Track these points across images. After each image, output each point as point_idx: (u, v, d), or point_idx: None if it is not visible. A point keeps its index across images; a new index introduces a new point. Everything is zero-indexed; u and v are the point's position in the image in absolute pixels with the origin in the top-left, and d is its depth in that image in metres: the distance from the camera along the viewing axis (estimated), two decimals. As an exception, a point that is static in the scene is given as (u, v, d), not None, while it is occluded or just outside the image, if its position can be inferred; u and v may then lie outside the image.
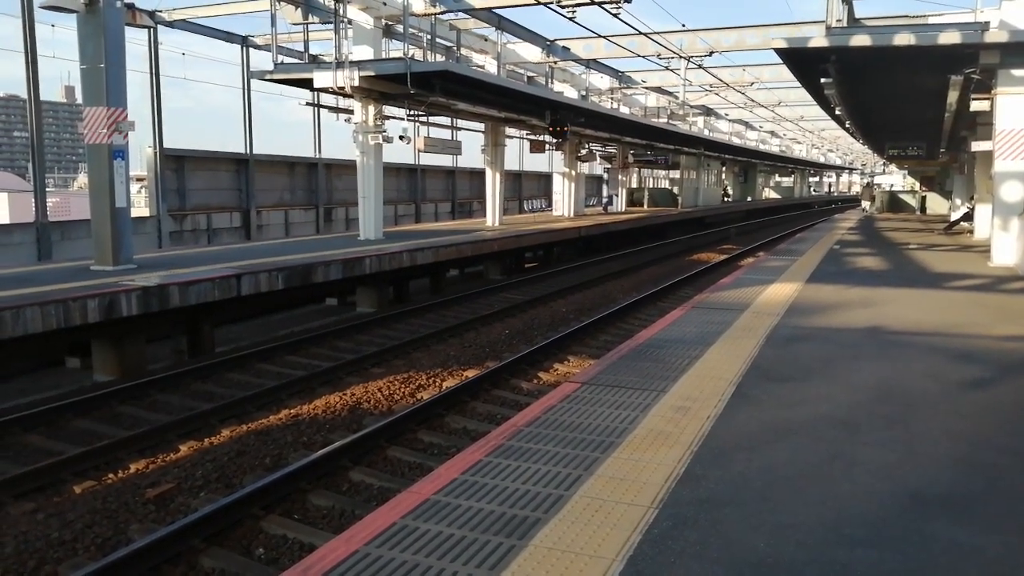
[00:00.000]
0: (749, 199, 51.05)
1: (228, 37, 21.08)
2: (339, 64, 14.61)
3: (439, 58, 18.66)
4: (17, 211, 25.93)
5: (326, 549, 3.14)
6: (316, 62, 15.68)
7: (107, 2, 10.41)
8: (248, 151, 21.95)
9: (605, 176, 37.79)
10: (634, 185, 38.33)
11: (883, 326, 7.67)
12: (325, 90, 15.40)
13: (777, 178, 63.72)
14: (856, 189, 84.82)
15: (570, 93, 25.13)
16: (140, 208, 19.98)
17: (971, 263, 13.50)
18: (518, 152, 34.09)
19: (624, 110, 29.13)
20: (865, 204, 37.84)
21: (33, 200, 16.31)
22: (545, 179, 37.17)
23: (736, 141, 41.24)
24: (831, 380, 5.61)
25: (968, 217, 22.18)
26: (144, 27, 12.92)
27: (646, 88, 29.83)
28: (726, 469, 3.90)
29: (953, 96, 14.82)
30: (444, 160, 29.93)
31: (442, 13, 16.48)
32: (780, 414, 4.79)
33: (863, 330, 7.48)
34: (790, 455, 4.11)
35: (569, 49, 22.66)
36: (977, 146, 15.78)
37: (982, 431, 4.54)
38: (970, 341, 7.02)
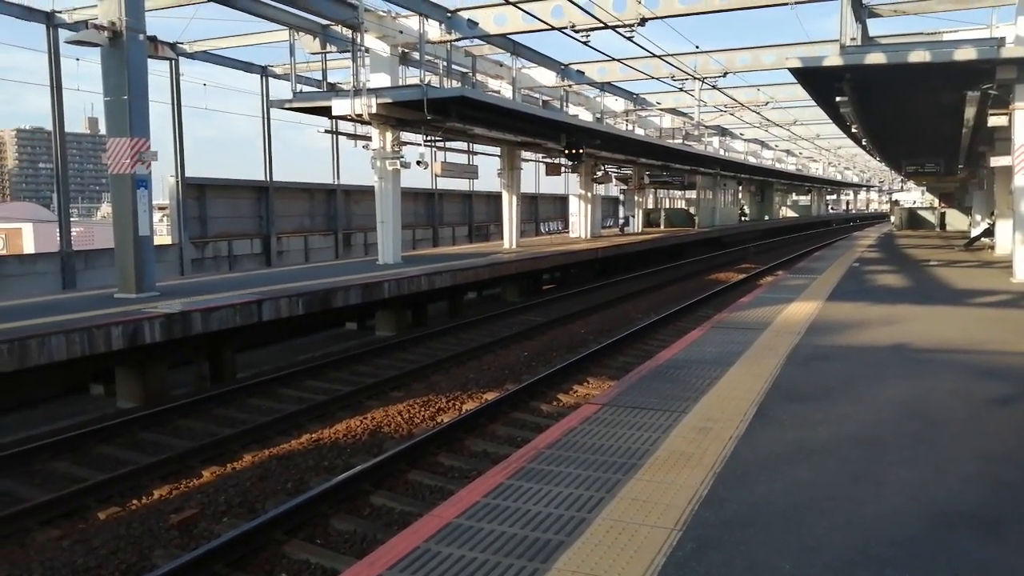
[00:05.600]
0: (766, 218, 50.85)
1: (248, 67, 21.44)
2: (357, 92, 14.81)
3: (455, 84, 18.85)
4: (42, 241, 26.39)
5: (349, 574, 3.15)
6: (334, 90, 15.93)
7: (130, 36, 10.64)
8: (268, 178, 22.23)
9: (621, 197, 37.81)
10: (650, 206, 38.34)
11: (906, 344, 7.60)
12: (343, 117, 15.60)
13: (794, 196, 63.51)
14: (874, 207, 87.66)
15: (585, 116, 25.25)
16: (162, 236, 20.29)
17: (993, 279, 13.36)
18: (534, 175, 34.29)
19: (639, 132, 29.21)
20: (893, 219, 39.39)
21: (58, 230, 16.60)
22: (561, 201, 37.25)
23: (752, 160, 41.17)
24: (854, 399, 5.56)
25: (989, 233, 21.96)
26: (166, 59, 13.16)
27: (661, 109, 29.92)
28: (750, 490, 3.87)
29: (970, 112, 14.74)
30: (461, 184, 30.14)
31: (457, 40, 16.68)
32: (804, 434, 4.76)
33: (885, 348, 7.41)
34: (815, 476, 4.07)
35: (583, 73, 22.83)
36: (996, 161, 15.65)
37: (1010, 449, 4.48)
38: (995, 358, 6.94)
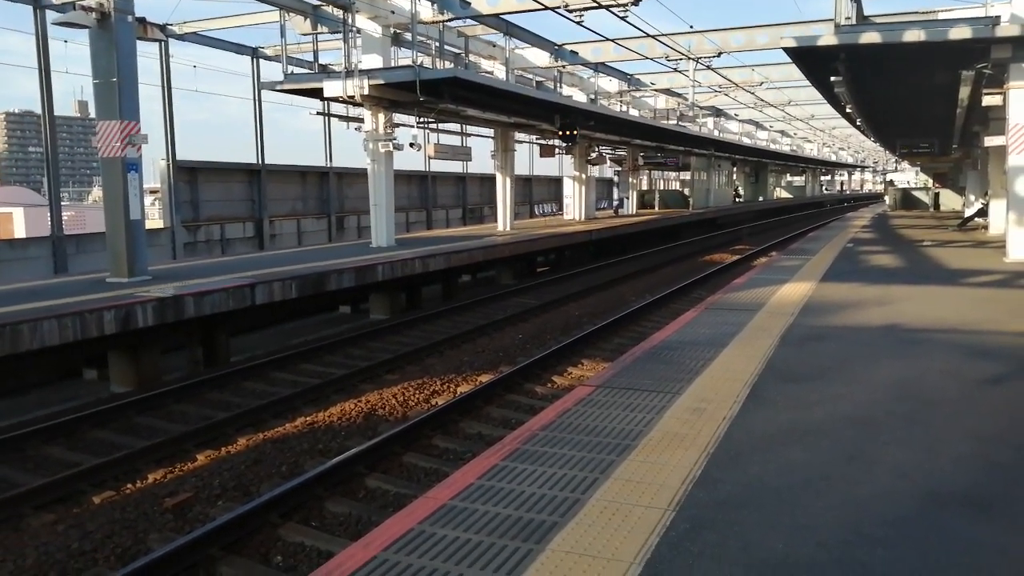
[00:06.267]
0: (761, 199, 50.87)
1: (239, 49, 21.24)
2: (348, 73, 14.69)
3: (448, 65, 18.70)
4: (33, 225, 26.21)
5: (344, 556, 3.15)
6: (326, 72, 15.77)
7: (119, 17, 10.52)
8: (260, 161, 22.08)
9: (616, 179, 37.77)
10: (645, 187, 38.29)
11: (899, 324, 7.62)
12: (335, 99, 15.48)
13: (788, 177, 63.49)
14: (868, 187, 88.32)
15: (579, 97, 25.13)
16: (154, 220, 20.15)
17: (986, 259, 13.39)
18: (528, 157, 34.17)
19: (633, 113, 29.09)
20: (887, 199, 39.74)
21: (48, 214, 16.48)
22: (556, 183, 37.18)
23: (746, 141, 41.11)
24: (848, 379, 5.57)
25: (982, 213, 22.00)
26: (155, 41, 13.00)
27: (655, 90, 29.78)
28: (743, 470, 3.88)
29: (965, 91, 14.72)
30: (454, 166, 29.99)
31: (450, 20, 16.53)
32: (797, 415, 4.77)
33: (879, 328, 7.43)
34: (808, 456, 4.08)
35: (577, 53, 22.68)
36: (990, 141, 15.65)
37: (1002, 429, 4.50)
38: (988, 338, 6.96)
